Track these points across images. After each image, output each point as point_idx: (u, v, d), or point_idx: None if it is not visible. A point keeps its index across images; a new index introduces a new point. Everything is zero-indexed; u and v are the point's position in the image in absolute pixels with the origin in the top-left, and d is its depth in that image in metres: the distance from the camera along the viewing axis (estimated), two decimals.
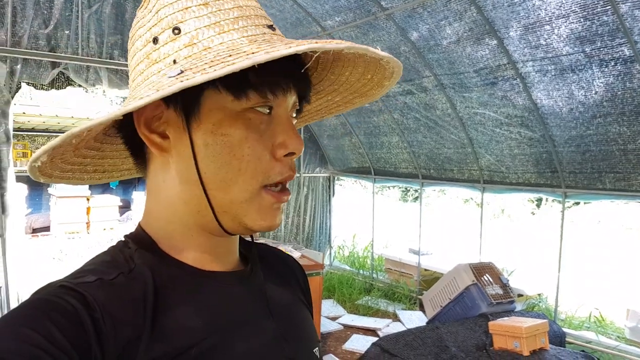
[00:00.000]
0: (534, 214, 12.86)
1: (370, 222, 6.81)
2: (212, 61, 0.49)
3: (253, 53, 0.48)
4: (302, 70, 0.58)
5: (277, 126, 0.58)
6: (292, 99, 0.59)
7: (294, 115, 0.62)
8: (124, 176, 0.76)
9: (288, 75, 0.57)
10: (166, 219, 0.61)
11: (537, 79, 4.12)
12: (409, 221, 11.60)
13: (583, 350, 4.23)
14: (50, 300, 0.49)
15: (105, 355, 0.48)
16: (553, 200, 11.93)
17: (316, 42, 0.48)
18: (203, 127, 0.56)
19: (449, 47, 4.35)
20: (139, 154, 0.63)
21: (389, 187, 12.62)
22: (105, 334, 0.49)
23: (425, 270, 6.12)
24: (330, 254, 7.42)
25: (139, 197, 10.30)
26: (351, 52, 0.57)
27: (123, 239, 0.63)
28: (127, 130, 0.61)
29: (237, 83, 0.54)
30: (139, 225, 0.64)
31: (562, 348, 4.12)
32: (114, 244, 0.63)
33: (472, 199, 13.74)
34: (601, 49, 3.55)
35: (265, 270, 0.71)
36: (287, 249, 5.53)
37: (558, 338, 4.26)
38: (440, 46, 4.41)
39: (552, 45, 3.78)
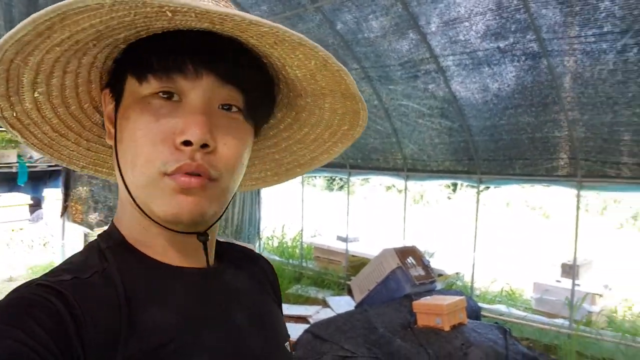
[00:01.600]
0: (450, 198, 13.67)
1: (299, 212, 6.89)
2: None
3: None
4: (225, 48, 0.54)
5: (182, 113, 0.54)
6: (212, 88, 0.55)
7: (230, 109, 0.58)
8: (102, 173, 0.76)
9: (199, 60, 0.53)
10: (124, 213, 0.61)
11: (456, 73, 4.38)
12: (336, 209, 11.85)
13: (496, 322, 4.61)
14: (29, 298, 0.49)
15: (85, 351, 0.48)
16: (467, 185, 12.74)
17: (220, 6, 0.46)
18: (119, 112, 0.58)
19: (375, 41, 4.50)
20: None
21: (315, 176, 12.79)
22: (85, 330, 0.49)
23: (353, 256, 6.33)
24: (259, 245, 7.43)
25: (51, 195, 9.58)
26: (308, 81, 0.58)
27: (96, 237, 0.63)
28: None
29: (140, 67, 0.54)
30: (112, 222, 0.64)
31: (478, 321, 4.47)
32: (89, 242, 0.63)
33: (394, 186, 14.32)
34: (514, 45, 3.85)
35: (235, 268, 0.71)
36: None
37: (474, 312, 4.61)
38: (367, 39, 4.54)
39: (470, 41, 4.03)
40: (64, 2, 0.43)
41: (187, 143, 0.53)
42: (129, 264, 0.58)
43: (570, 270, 4.86)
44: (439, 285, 5.03)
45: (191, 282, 0.61)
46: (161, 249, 0.60)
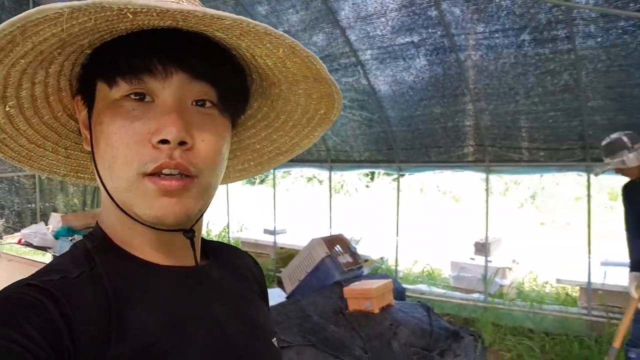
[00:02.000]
0: (368, 187, 14.15)
1: (223, 207, 6.81)
2: None
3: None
4: (189, 51, 0.54)
5: (155, 113, 0.53)
6: (183, 85, 0.55)
7: (204, 104, 0.57)
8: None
9: (166, 58, 0.53)
10: (108, 215, 0.61)
11: (374, 66, 4.56)
12: (259, 203, 11.79)
13: (419, 301, 4.91)
14: (19, 297, 0.49)
15: (76, 349, 0.48)
16: (384, 174, 13.25)
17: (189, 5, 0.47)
18: (93, 118, 0.58)
19: (296, 35, 4.55)
20: None
21: None
22: (75, 329, 0.49)
23: (281, 248, 6.38)
24: None
25: None
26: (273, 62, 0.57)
27: (82, 238, 0.63)
28: None
29: (108, 71, 0.54)
30: (97, 222, 0.64)
31: (404, 302, 4.73)
32: (75, 243, 0.62)
33: (314, 177, 14.54)
34: (426, 40, 4.09)
35: (221, 265, 0.72)
36: None
37: (400, 293, 4.86)
38: (288, 33, 4.57)
39: (386, 36, 4.22)
40: (22, 14, 0.43)
41: (164, 142, 0.52)
42: (116, 264, 0.58)
43: (482, 248, 5.27)
44: (365, 271, 5.24)
45: (178, 281, 0.61)
46: (147, 249, 0.60)
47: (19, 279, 0.53)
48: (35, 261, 4.51)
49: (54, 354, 0.46)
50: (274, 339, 0.71)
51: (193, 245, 0.63)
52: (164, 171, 0.53)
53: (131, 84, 0.53)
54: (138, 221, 0.57)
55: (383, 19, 4.07)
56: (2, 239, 4.50)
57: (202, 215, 0.64)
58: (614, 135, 3.11)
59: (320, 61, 0.56)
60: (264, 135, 0.73)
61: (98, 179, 0.58)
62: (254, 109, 0.70)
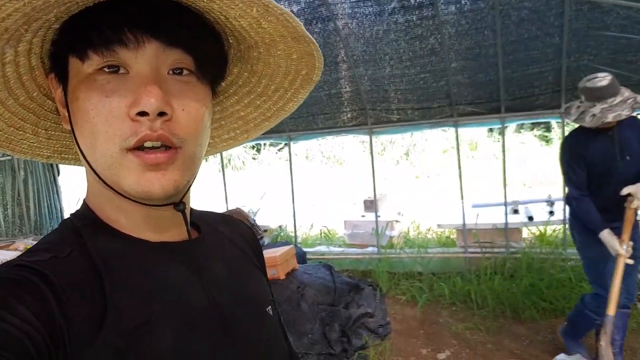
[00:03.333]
0: (255, 159, 14.16)
1: None
2: None
3: None
4: (160, 19, 0.52)
5: (131, 85, 0.52)
6: (157, 54, 0.53)
7: (181, 72, 0.56)
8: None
9: (137, 27, 0.52)
10: (94, 193, 0.60)
11: None
12: None
13: (320, 262, 5.17)
14: (9, 278, 0.49)
15: (70, 328, 0.48)
16: (270, 145, 13.33)
17: None
18: (69, 95, 0.56)
19: None
20: None
21: None
22: (68, 308, 0.49)
23: None
24: None
25: None
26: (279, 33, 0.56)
27: (69, 216, 0.62)
28: None
29: (78, 44, 0.52)
30: (84, 200, 0.63)
31: (306, 264, 4.96)
32: (63, 221, 0.61)
33: None
34: (305, 10, 4.17)
35: (214, 236, 0.71)
36: (18, 245, 4.80)
37: (301, 257, 5.07)
38: None
39: None
40: None
41: (142, 114, 0.51)
42: (106, 242, 0.58)
43: (371, 205, 5.65)
44: (266, 240, 5.36)
45: (170, 257, 0.61)
46: (137, 225, 0.60)
47: (7, 260, 0.52)
48: None
49: (47, 334, 0.46)
50: (269, 307, 0.71)
51: (185, 218, 0.62)
52: (146, 144, 0.52)
53: (103, 56, 0.51)
54: (127, 197, 0.56)
55: None
56: None
57: (189, 187, 0.63)
58: (606, 77, 2.59)
59: (296, 19, 0.55)
60: (247, 101, 0.72)
61: (82, 157, 0.57)
62: (234, 74, 0.69)
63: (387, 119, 5.04)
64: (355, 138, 11.89)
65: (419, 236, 6.33)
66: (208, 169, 13.59)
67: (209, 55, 0.58)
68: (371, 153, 5.35)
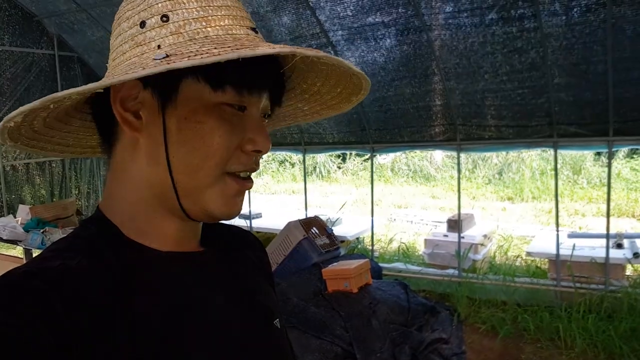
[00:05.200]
0: (340, 168, 14.21)
1: None
2: (197, 51, 0.52)
3: (238, 49, 0.51)
4: (280, 72, 0.62)
5: (248, 123, 0.61)
6: (265, 100, 0.63)
7: (264, 116, 0.65)
8: (85, 154, 0.74)
9: (265, 77, 0.60)
10: (130, 201, 0.61)
11: (345, 47, 4.55)
12: None
13: (396, 279, 5.01)
14: (19, 284, 0.49)
15: (79, 337, 0.48)
16: (356, 155, 13.31)
17: (297, 48, 0.52)
18: (178, 113, 0.58)
19: (266, 16, 4.49)
20: (107, 132, 0.63)
21: None
22: (77, 317, 0.49)
23: (258, 232, 6.38)
24: None
25: None
26: (325, 63, 0.61)
27: (81, 224, 0.62)
28: (99, 106, 0.61)
29: (217, 76, 0.57)
30: (98, 208, 0.64)
31: (381, 280, 4.83)
32: (76, 229, 0.62)
33: (287, 160, 14.49)
34: (396, 20, 4.09)
35: (225, 248, 0.74)
36: None
37: (377, 272, 4.95)
38: (256, 14, 4.51)
39: (357, 16, 4.21)
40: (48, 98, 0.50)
41: (257, 151, 0.61)
42: (119, 251, 0.58)
43: (455, 224, 5.39)
44: (342, 251, 5.30)
45: (182, 266, 0.63)
46: (159, 237, 0.62)
47: (17, 265, 0.53)
48: (6, 255, 4.37)
49: (55, 341, 0.46)
50: (277, 320, 0.73)
51: (199, 231, 0.68)
52: (242, 174, 0.62)
53: (239, 95, 0.58)
54: (186, 214, 0.61)
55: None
56: None
57: None
58: None
59: (368, 80, 0.64)
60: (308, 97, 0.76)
61: (167, 171, 0.59)
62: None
63: (479, 135, 4.78)
64: (445, 153, 11.51)
65: (506, 263, 5.93)
66: (293, 173, 13.89)
67: (280, 105, 0.68)
68: (458, 170, 5.10)
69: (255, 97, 0.61)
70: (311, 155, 10.14)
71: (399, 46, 4.32)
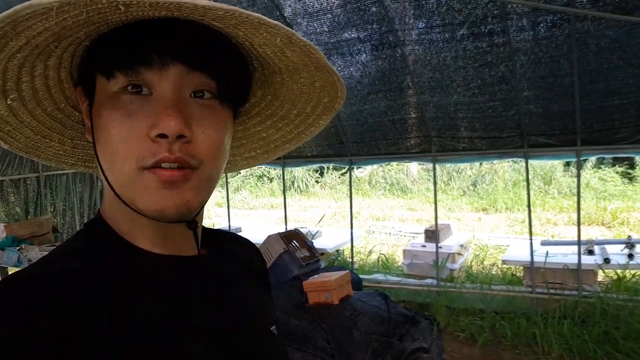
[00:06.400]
0: (318, 182, 14.28)
1: None
2: None
3: None
4: (186, 34, 0.53)
5: (153, 106, 0.53)
6: (182, 76, 0.54)
7: (202, 96, 0.57)
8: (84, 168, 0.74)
9: (163, 50, 0.52)
10: (110, 206, 0.61)
11: None
12: (210, 203, 11.60)
13: (376, 290, 5.04)
14: (19, 288, 0.50)
15: (77, 340, 0.49)
16: (333, 169, 13.40)
17: None
18: (93, 111, 0.57)
19: None
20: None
21: None
22: (76, 320, 0.49)
23: None
24: None
25: None
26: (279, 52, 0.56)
27: (83, 227, 0.63)
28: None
29: (105, 63, 0.54)
30: (98, 211, 0.64)
31: (361, 291, 4.85)
32: (77, 232, 0.63)
33: (265, 175, 14.48)
34: (371, 36, 4.20)
35: (223, 254, 0.73)
36: None
37: (357, 284, 4.97)
38: None
39: (333, 32, 4.30)
40: (11, 10, 0.43)
41: (162, 136, 0.52)
42: (117, 255, 0.59)
43: (432, 235, 5.47)
44: (323, 264, 5.32)
45: (179, 271, 0.62)
46: (150, 240, 0.61)
47: (18, 270, 0.53)
48: None
49: (54, 344, 0.47)
50: (273, 327, 0.72)
51: (196, 236, 0.63)
52: (162, 165, 0.53)
53: (128, 76, 0.52)
54: (141, 214, 0.56)
55: (329, 15, 4.14)
56: None
57: (203, 207, 0.64)
58: None
59: (319, 50, 0.55)
60: (269, 123, 0.72)
61: (100, 171, 0.58)
62: (257, 97, 0.70)
63: (453, 147, 4.90)
64: (420, 166, 11.69)
65: (483, 271, 6.04)
66: (271, 188, 13.87)
67: (232, 79, 0.59)
68: (434, 181, 5.20)
69: (154, 74, 0.53)
70: (289, 169, 10.21)
71: (374, 61, 4.43)
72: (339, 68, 4.60)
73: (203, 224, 0.71)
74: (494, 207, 11.13)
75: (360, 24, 4.13)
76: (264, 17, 0.49)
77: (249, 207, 12.31)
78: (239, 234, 5.68)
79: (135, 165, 0.53)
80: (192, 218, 0.61)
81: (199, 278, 0.63)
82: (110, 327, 0.52)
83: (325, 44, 4.43)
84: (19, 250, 3.76)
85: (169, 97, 0.53)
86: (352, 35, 4.24)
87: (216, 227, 6.76)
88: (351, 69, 4.57)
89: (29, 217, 5.41)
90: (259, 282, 0.78)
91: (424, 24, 3.99)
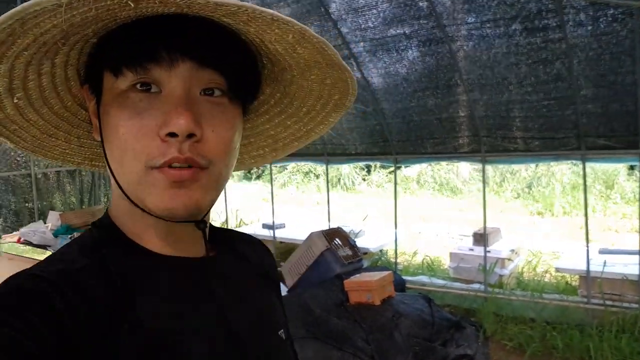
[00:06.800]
0: (365, 180, 14.16)
1: (221, 203, 6.82)
2: None
3: None
4: (194, 30, 0.52)
5: (163, 104, 0.52)
6: (192, 73, 0.53)
7: (212, 93, 0.56)
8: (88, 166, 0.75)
9: (172, 46, 0.52)
10: (118, 205, 0.61)
11: (367, 59, 4.56)
12: (256, 198, 11.79)
13: (420, 293, 4.93)
14: (22, 287, 0.49)
15: (80, 340, 0.48)
16: (380, 166, 13.26)
17: None
18: (101, 110, 0.57)
19: None
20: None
21: None
22: (80, 319, 0.49)
23: (281, 242, 6.39)
24: None
25: None
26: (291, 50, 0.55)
27: (89, 227, 0.62)
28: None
29: (113, 60, 0.53)
30: (106, 211, 0.64)
31: (404, 293, 4.76)
32: (82, 233, 0.62)
33: (311, 171, 14.53)
34: (418, 32, 4.09)
35: (232, 254, 0.71)
36: None
37: (400, 285, 4.89)
38: None
39: (378, 27, 4.22)
40: (19, 7, 0.42)
41: (172, 135, 0.51)
42: (123, 255, 0.58)
43: (481, 238, 5.28)
44: (365, 263, 5.26)
45: (186, 272, 0.61)
46: (157, 240, 0.60)
47: (23, 268, 0.53)
48: (35, 259, 4.52)
49: (55, 342, 0.46)
50: (281, 330, 0.70)
51: (205, 236, 0.63)
52: (172, 165, 0.52)
53: (137, 73, 0.52)
54: (149, 213, 0.56)
55: (374, 11, 4.07)
56: (1, 238, 4.51)
57: (212, 206, 0.63)
58: None
59: (332, 47, 0.54)
60: (278, 121, 0.72)
61: (108, 170, 0.58)
62: (266, 94, 0.69)
63: (504, 147, 4.70)
64: (471, 166, 11.34)
65: (534, 278, 5.77)
66: (317, 185, 13.89)
67: (242, 76, 0.58)
68: (483, 182, 5.02)
69: (164, 72, 0.52)
70: (335, 166, 10.16)
71: (421, 57, 4.31)
72: (385, 64, 4.52)
73: (212, 223, 0.71)
74: (550, 211, 10.63)
75: (407, 20, 4.03)
76: (277, 13, 0.49)
77: (296, 202, 12.40)
78: (282, 230, 5.74)
79: (144, 164, 0.53)
80: (201, 218, 0.61)
81: (206, 279, 0.63)
82: (113, 328, 0.51)
83: (371, 40, 4.36)
84: (70, 238, 3.94)
85: (178, 95, 0.53)
86: (399, 31, 4.15)
87: (260, 222, 6.83)
88: (397, 65, 4.47)
89: (83, 206, 5.68)
90: (269, 284, 0.77)
91: (474, 19, 3.84)
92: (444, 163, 11.08)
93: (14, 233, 4.57)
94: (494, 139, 4.70)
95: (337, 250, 4.80)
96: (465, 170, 12.94)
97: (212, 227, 0.70)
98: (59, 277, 0.51)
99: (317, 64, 0.58)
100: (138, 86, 0.53)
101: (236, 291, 0.67)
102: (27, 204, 4.92)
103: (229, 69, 0.55)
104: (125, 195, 0.56)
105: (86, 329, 0.49)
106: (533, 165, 11.93)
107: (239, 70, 0.57)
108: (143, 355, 0.52)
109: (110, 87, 0.55)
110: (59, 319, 0.48)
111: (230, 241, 0.74)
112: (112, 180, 0.58)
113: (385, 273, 4.40)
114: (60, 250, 0.59)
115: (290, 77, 0.63)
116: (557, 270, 5.04)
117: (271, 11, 0.48)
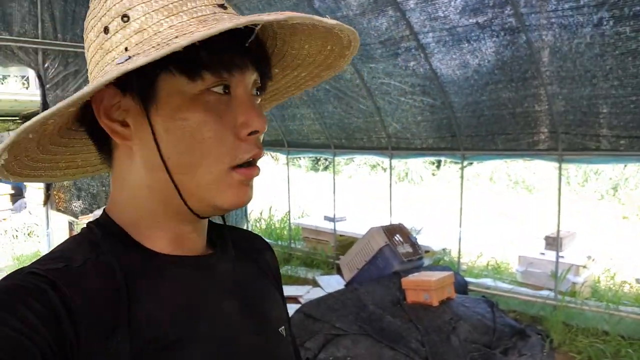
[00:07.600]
0: (434, 175, 13.77)
1: (285, 194, 6.90)
2: (158, 44, 0.49)
3: (195, 32, 0.48)
4: (260, 43, 0.58)
5: (238, 106, 0.57)
6: (251, 76, 0.58)
7: (257, 93, 0.61)
8: (99, 171, 0.74)
9: (242, 52, 0.55)
10: (132, 206, 0.60)
11: (436, 50, 4.37)
12: (322, 189, 11.85)
13: (483, 296, 4.71)
14: (21, 285, 0.49)
15: (79, 339, 0.48)
16: (451, 162, 12.83)
17: (258, 15, 0.47)
18: (162, 112, 0.55)
19: (355, 19, 4.46)
20: (104, 145, 0.62)
21: (300, 157, 12.81)
22: (78, 319, 0.49)
23: (341, 235, 6.37)
24: (247, 227, 7.44)
25: (32, 183, 9.45)
26: (303, 24, 0.56)
27: (87, 226, 0.62)
28: (89, 122, 0.59)
29: (190, 64, 0.53)
30: (105, 212, 0.63)
31: (466, 296, 4.56)
32: (79, 231, 0.62)
33: (379, 164, 14.36)
34: (492, 20, 3.85)
35: (233, 252, 0.71)
36: None
37: (462, 287, 4.69)
38: (346, 17, 4.50)
39: (449, 17, 4.03)
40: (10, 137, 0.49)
41: (254, 133, 0.57)
42: (124, 253, 0.58)
43: (554, 242, 4.95)
44: (426, 262, 5.10)
45: (187, 271, 0.62)
46: (162, 240, 0.61)
47: (22, 266, 0.53)
48: None
49: (54, 341, 0.46)
50: (282, 328, 0.71)
51: (205, 233, 0.66)
52: (252, 160, 0.59)
53: (220, 78, 0.55)
54: (191, 211, 0.59)
55: (446, 0, 3.88)
56: (78, 219, 4.84)
57: None
58: None
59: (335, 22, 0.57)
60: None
61: (166, 174, 0.56)
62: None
63: (584, 145, 4.33)
64: (550, 164, 10.68)
65: (612, 288, 5.32)
66: (384, 179, 13.70)
67: (270, 76, 0.63)
68: (559, 182, 4.67)
69: (238, 75, 0.57)
70: (403, 160, 9.93)
71: (494, 48, 4.06)
72: (454, 56, 4.31)
73: (212, 221, 0.72)
74: (637, 215, 9.78)
75: (480, 8, 3.80)
76: (356, 36, 0.60)
77: (360, 195, 12.31)
78: (343, 222, 5.71)
79: (227, 164, 0.56)
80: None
81: (207, 277, 0.64)
82: (113, 328, 0.51)
83: (440, 31, 4.16)
84: None
85: (249, 97, 0.58)
86: (470, 20, 3.92)
87: (321, 215, 6.84)
88: (467, 56, 4.24)
89: None
90: (270, 280, 0.77)
91: (554, 6, 3.54)
92: (513, 160, 10.51)
93: (90, 215, 4.90)
94: (574, 136, 4.34)
95: (396, 247, 4.69)
96: (543, 167, 12.21)
97: (212, 224, 0.71)
98: (58, 276, 0.51)
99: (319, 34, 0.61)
100: (214, 89, 0.56)
101: (237, 288, 0.67)
102: (104, 188, 5.25)
103: (267, 72, 0.61)
104: (180, 196, 0.57)
105: (86, 329, 0.49)
106: (620, 166, 11.02)
107: (270, 73, 0.62)
108: (143, 356, 0.52)
109: (177, 90, 0.55)
110: (56, 318, 0.48)
111: (232, 238, 0.73)
112: (162, 184, 0.58)
113: (446, 273, 4.24)
114: (59, 247, 0.58)
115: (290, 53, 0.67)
116: (638, 281, 4.61)
117: (330, 26, 0.56)
